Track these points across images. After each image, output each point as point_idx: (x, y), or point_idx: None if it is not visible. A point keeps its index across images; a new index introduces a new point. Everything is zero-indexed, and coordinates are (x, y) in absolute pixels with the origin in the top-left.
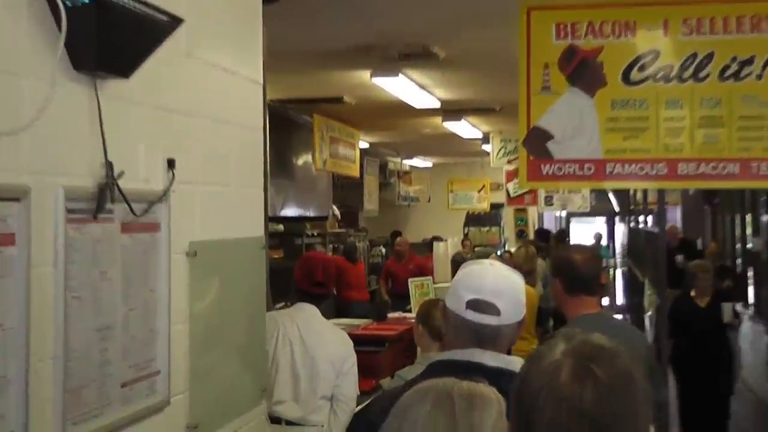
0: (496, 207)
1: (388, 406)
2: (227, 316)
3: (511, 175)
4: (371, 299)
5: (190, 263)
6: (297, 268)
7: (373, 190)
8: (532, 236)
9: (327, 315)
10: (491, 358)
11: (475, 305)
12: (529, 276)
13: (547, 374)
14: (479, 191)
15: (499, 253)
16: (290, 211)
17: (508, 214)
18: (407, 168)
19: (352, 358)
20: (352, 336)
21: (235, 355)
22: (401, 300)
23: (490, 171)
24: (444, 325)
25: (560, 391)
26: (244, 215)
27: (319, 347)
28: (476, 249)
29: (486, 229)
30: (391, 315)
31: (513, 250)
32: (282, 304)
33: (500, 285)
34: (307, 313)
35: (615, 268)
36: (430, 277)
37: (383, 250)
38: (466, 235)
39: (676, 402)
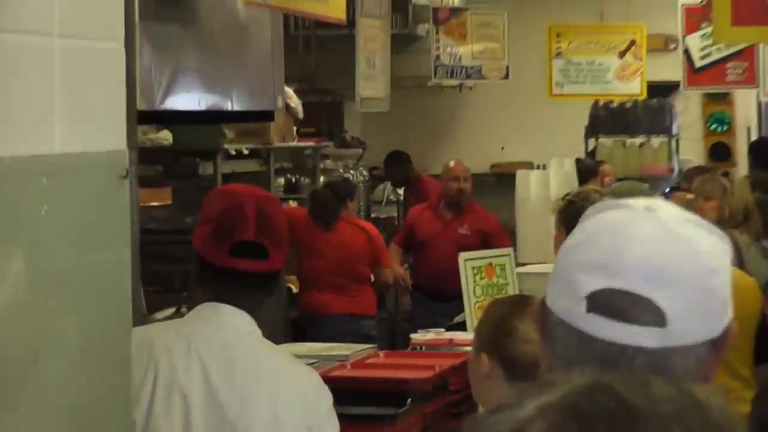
0: (660, 91)
1: None
2: (42, 339)
3: (696, 18)
4: (379, 306)
5: None
6: (201, 217)
7: (376, 51)
8: (744, 160)
9: (273, 332)
10: None
11: (606, 304)
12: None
13: None
14: (622, 54)
15: (667, 191)
16: (187, 101)
17: (688, 109)
18: (455, 1)
19: (322, 413)
20: (331, 382)
21: (60, 426)
22: (439, 301)
23: (647, 8)
24: (543, 348)
25: None
26: (80, 106)
27: (252, 405)
28: (614, 185)
29: (638, 141)
30: (417, 336)
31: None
32: (172, 310)
33: (667, 255)
34: (225, 326)
35: None
36: (510, 251)
37: (399, 191)
38: (591, 155)
39: None
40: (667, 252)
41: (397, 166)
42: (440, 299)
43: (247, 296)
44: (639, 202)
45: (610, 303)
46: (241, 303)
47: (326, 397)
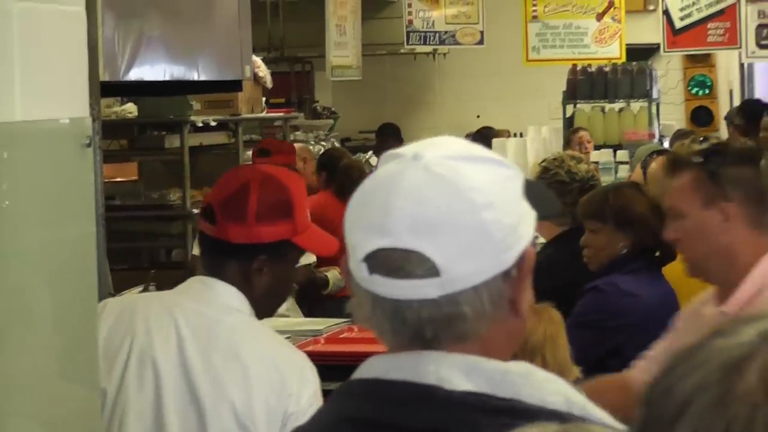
0: (639, 54)
1: None
2: (6, 314)
3: None
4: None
5: None
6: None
7: (347, 17)
8: (730, 120)
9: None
10: (459, 371)
11: (382, 264)
12: None
13: (716, 370)
14: (600, 17)
15: (652, 155)
16: (152, 72)
17: (669, 72)
18: None
19: (302, 403)
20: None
21: (26, 400)
22: None
23: None
24: (355, 313)
25: (740, 404)
26: (40, 71)
27: (223, 386)
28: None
29: (618, 106)
30: None
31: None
32: (139, 288)
33: (431, 203)
34: (212, 302)
35: None
36: None
37: (374, 159)
38: (570, 122)
39: None
40: (430, 200)
41: (391, 137)
42: None
43: (227, 269)
44: (409, 150)
45: (385, 262)
46: (222, 274)
47: (310, 385)
